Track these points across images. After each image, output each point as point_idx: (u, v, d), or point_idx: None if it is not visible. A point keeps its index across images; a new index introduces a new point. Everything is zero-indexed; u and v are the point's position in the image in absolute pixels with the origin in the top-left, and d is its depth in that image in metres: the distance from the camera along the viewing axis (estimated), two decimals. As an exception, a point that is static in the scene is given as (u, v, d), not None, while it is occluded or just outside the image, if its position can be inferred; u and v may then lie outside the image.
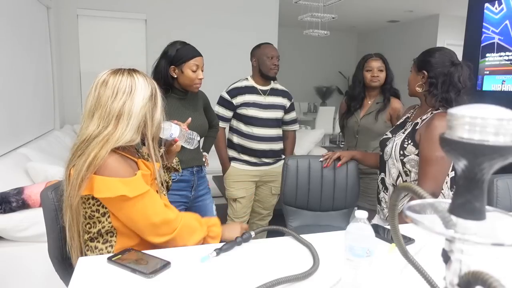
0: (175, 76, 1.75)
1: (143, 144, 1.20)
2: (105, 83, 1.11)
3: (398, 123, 1.75)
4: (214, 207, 2.10)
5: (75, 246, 1.13)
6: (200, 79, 1.76)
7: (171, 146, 1.38)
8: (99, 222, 1.11)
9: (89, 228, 1.12)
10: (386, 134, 1.74)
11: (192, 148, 1.41)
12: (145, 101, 1.12)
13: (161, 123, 1.20)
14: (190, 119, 1.50)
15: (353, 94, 2.26)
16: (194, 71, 1.73)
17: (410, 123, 1.63)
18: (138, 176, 1.09)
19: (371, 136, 2.22)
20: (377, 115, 2.19)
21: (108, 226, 1.11)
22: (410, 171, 1.56)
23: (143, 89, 1.12)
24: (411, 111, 1.73)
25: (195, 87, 1.79)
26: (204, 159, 2.03)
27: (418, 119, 1.58)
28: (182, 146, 1.39)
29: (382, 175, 1.68)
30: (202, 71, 1.78)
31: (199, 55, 1.76)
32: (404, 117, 1.74)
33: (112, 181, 1.04)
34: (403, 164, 1.56)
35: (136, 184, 1.07)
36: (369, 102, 2.26)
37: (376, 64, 2.18)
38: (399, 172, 1.58)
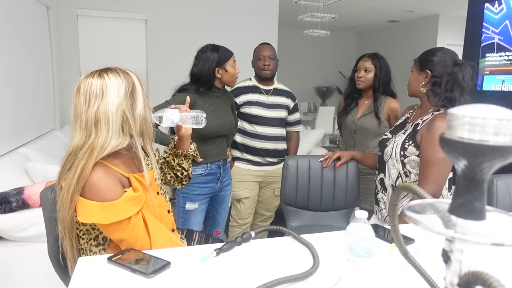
0: (220, 76, 1.92)
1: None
2: (78, 91, 1.07)
3: (397, 123, 1.74)
4: (230, 199, 2.21)
5: (69, 256, 1.12)
6: (238, 73, 1.98)
7: (179, 131, 1.35)
8: (93, 229, 1.11)
9: (83, 234, 1.12)
10: (386, 135, 1.73)
11: (201, 127, 1.38)
12: (120, 99, 1.06)
13: (147, 117, 1.14)
14: (188, 97, 1.55)
15: (347, 92, 2.30)
16: (233, 67, 1.94)
17: (410, 123, 1.63)
18: (122, 199, 1.04)
19: (369, 136, 2.22)
20: (374, 115, 2.19)
21: (102, 234, 1.11)
22: (410, 172, 1.55)
23: (115, 87, 1.07)
24: (411, 111, 1.73)
25: (236, 81, 2.02)
26: (228, 152, 2.15)
27: (419, 119, 1.57)
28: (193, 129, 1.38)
29: (381, 175, 1.67)
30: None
31: (232, 52, 1.97)
32: (404, 117, 1.73)
33: (90, 205, 1.01)
34: (403, 165, 1.56)
35: (116, 209, 1.02)
36: (366, 102, 2.25)
37: (363, 64, 2.17)
38: (399, 173, 1.58)
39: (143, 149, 1.18)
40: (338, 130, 2.52)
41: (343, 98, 2.37)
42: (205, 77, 1.88)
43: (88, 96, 1.05)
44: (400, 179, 1.59)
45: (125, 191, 1.07)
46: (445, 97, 1.48)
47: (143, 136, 1.16)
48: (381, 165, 1.68)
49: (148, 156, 1.23)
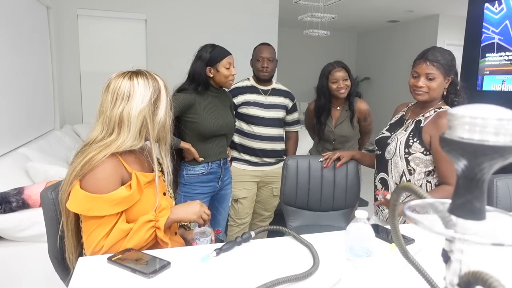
0: (211, 75, 1.89)
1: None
2: (107, 88, 1.12)
3: (392, 121, 1.73)
4: (231, 198, 2.22)
5: (69, 243, 1.14)
6: (233, 75, 1.92)
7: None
8: None
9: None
10: (383, 133, 1.72)
11: (200, 242, 1.28)
12: (143, 105, 1.11)
13: (166, 124, 1.17)
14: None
15: (319, 106, 2.27)
16: (227, 68, 1.89)
17: (410, 120, 1.62)
18: (109, 195, 1.05)
19: (346, 141, 2.31)
20: (349, 122, 2.25)
21: None
22: (414, 170, 1.55)
23: (142, 92, 1.11)
24: (404, 109, 1.73)
25: (230, 83, 1.95)
26: (227, 152, 2.14)
27: (420, 116, 1.57)
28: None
29: (383, 174, 1.66)
30: (233, 67, 1.93)
31: (230, 53, 1.92)
32: (399, 115, 1.72)
33: (79, 194, 1.04)
34: (408, 162, 1.55)
35: (100, 204, 1.04)
36: (338, 109, 2.29)
37: (340, 74, 2.18)
38: (403, 171, 1.57)
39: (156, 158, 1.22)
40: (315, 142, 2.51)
41: (313, 112, 2.35)
42: (198, 75, 1.87)
43: (115, 96, 1.10)
44: (404, 177, 1.58)
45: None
46: (462, 95, 1.55)
47: (159, 141, 1.19)
48: (381, 164, 1.67)
49: (160, 163, 1.27)
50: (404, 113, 1.71)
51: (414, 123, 1.58)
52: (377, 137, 1.73)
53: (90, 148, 1.08)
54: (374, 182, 1.73)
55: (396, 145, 1.59)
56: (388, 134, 1.69)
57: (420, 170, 1.54)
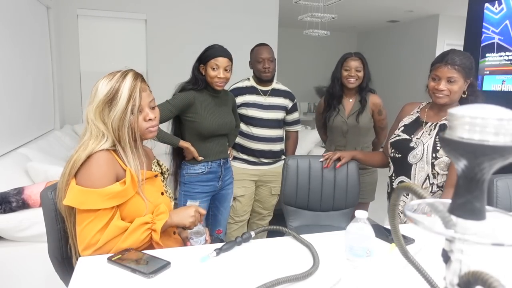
0: (203, 73, 1.89)
1: None
2: None
3: (407, 123, 1.69)
4: (232, 198, 2.22)
5: (75, 246, 1.14)
6: (220, 78, 1.86)
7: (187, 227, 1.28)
8: None
9: None
10: (399, 135, 1.67)
11: (193, 243, 1.30)
12: (97, 105, 1.10)
13: (125, 125, 1.11)
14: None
15: (330, 92, 2.28)
16: (213, 70, 1.85)
17: (431, 124, 1.60)
18: (103, 189, 1.05)
19: (361, 134, 2.27)
20: (362, 113, 2.22)
21: None
22: (438, 174, 1.54)
23: (99, 93, 1.11)
24: (417, 110, 1.70)
25: (215, 85, 1.89)
26: (228, 152, 2.14)
27: (443, 120, 1.57)
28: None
29: (402, 178, 1.63)
30: (227, 71, 1.89)
31: (222, 55, 1.87)
32: (413, 116, 1.69)
33: (74, 189, 1.06)
34: (433, 166, 1.54)
35: (94, 198, 1.04)
36: (351, 101, 2.27)
37: (354, 64, 2.18)
38: (427, 175, 1.56)
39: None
40: (318, 132, 2.52)
41: (323, 99, 2.37)
42: (193, 71, 1.91)
43: (90, 97, 1.14)
44: (427, 180, 1.56)
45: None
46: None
47: (132, 132, 1.15)
48: (401, 168, 1.63)
49: (159, 164, 1.29)
50: (419, 114, 1.68)
51: (438, 126, 1.56)
52: (393, 139, 1.69)
53: (74, 151, 1.11)
54: (392, 185, 1.70)
55: (423, 149, 1.56)
56: (406, 136, 1.64)
57: (443, 173, 1.53)
